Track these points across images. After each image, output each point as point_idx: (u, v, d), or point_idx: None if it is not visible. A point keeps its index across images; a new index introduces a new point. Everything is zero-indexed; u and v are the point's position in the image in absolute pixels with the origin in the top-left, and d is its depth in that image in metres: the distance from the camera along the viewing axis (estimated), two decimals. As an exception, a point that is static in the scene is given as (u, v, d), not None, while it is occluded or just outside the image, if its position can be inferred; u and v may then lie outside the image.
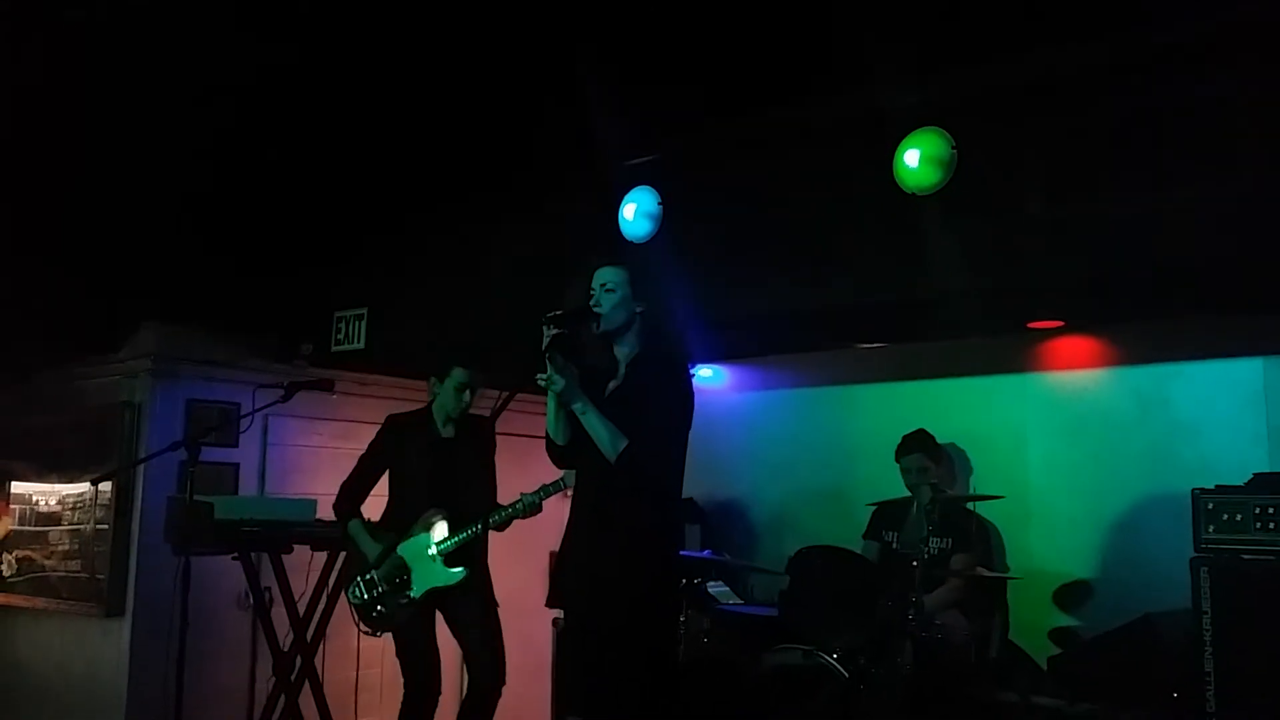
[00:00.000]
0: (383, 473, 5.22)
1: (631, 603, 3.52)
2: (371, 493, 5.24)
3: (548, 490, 4.80)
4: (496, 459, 5.02)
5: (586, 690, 3.77)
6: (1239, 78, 3.62)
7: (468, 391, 5.05)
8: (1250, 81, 3.58)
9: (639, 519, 3.56)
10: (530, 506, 4.83)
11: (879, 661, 4.63)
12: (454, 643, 5.08)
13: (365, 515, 5.15)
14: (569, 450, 3.76)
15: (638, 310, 3.68)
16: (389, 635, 5.09)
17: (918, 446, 5.41)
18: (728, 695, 4.99)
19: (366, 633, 5.05)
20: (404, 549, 4.93)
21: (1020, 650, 5.20)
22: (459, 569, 4.88)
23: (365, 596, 4.99)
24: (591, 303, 3.65)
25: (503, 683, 4.94)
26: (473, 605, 4.95)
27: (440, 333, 5.75)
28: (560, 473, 4.55)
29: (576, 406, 3.58)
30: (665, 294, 3.83)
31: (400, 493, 5.17)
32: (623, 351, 3.74)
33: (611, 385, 3.75)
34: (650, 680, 3.56)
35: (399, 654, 5.05)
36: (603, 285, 3.65)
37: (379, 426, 5.27)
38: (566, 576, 3.77)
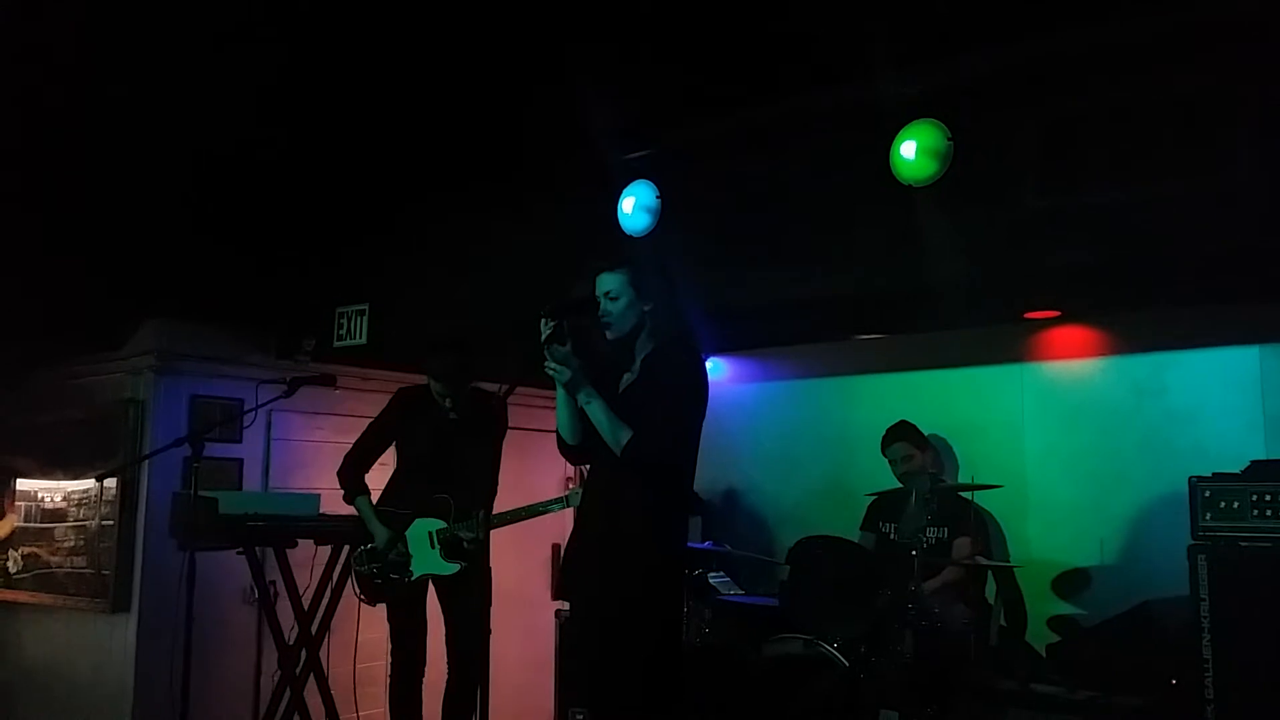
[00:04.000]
0: (388, 445, 5.30)
1: (636, 595, 3.54)
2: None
3: (550, 507, 4.85)
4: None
5: (590, 681, 3.79)
6: (1235, 68, 3.63)
7: (447, 399, 5.09)
8: (1246, 72, 3.60)
9: (646, 511, 3.57)
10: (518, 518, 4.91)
11: (879, 650, 4.66)
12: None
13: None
14: (580, 448, 3.77)
15: (645, 309, 3.67)
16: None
17: (900, 436, 5.47)
18: (729, 685, 5.03)
19: (363, 600, 5.16)
20: (409, 530, 5.00)
21: (1020, 638, 5.24)
22: (455, 563, 4.94)
23: (368, 567, 5.08)
24: (600, 313, 3.64)
25: (478, 678, 4.99)
26: (465, 598, 4.96)
27: (441, 327, 5.77)
28: (564, 490, 4.61)
29: (581, 396, 3.58)
30: (672, 287, 3.81)
31: (404, 467, 5.28)
32: (640, 348, 3.73)
33: (626, 379, 3.75)
34: (654, 671, 3.58)
35: (390, 622, 5.16)
36: (606, 294, 3.63)
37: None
38: (573, 568, 3.79)
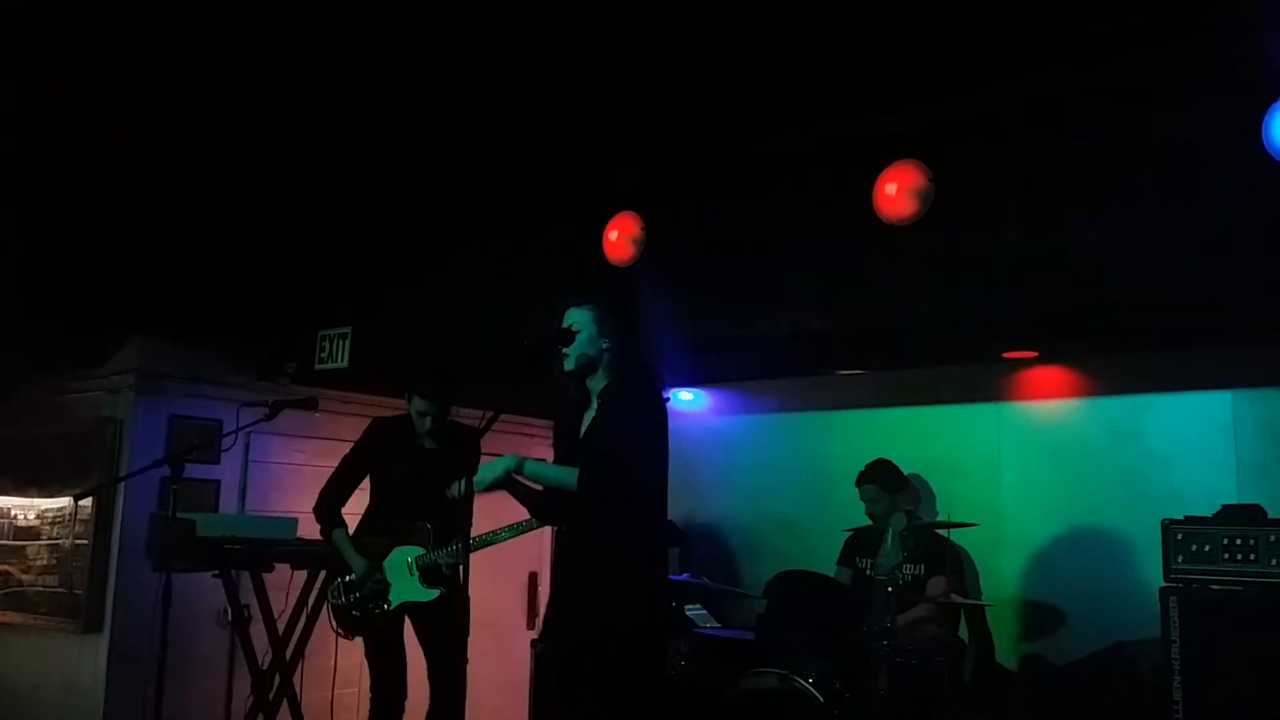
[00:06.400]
0: (364, 477, 5.25)
1: (614, 629, 3.56)
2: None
3: (530, 525, 4.84)
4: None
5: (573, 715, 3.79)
6: (1212, 115, 3.70)
7: (428, 418, 5.08)
8: (1223, 119, 3.66)
9: (615, 545, 3.63)
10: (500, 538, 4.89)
11: (854, 686, 4.67)
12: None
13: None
14: (547, 511, 3.92)
15: (604, 347, 3.78)
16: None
17: (871, 479, 5.52)
18: (704, 718, 5.02)
19: (340, 634, 5.10)
20: (387, 560, 4.97)
21: (994, 675, 5.26)
22: (435, 589, 4.92)
23: (344, 599, 5.03)
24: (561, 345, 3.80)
25: (462, 698, 4.97)
26: (444, 624, 4.94)
27: (423, 352, 5.78)
28: None
29: (512, 467, 3.73)
30: (636, 326, 3.92)
31: (380, 499, 5.22)
32: (595, 385, 3.85)
33: (587, 417, 3.85)
34: (633, 705, 3.59)
35: (368, 656, 5.11)
36: (569, 327, 3.80)
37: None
38: (550, 614, 3.87)
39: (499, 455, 3.80)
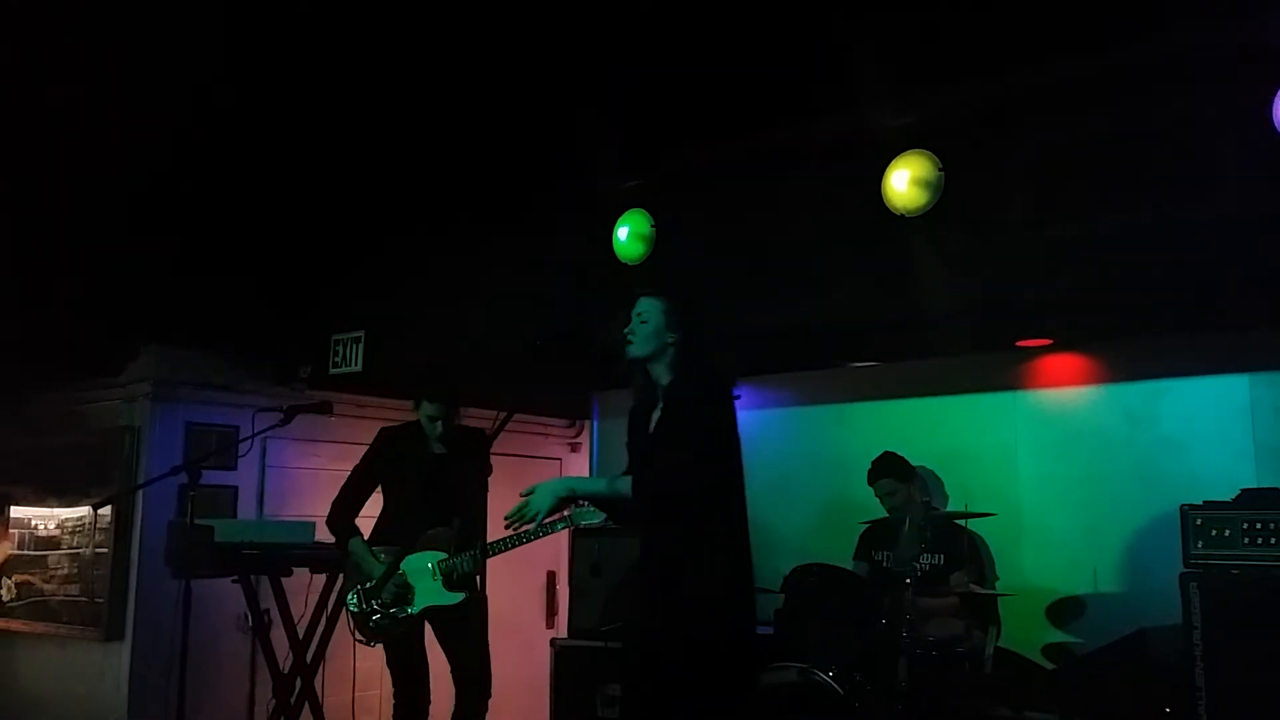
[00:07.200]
0: (375, 487, 5.22)
1: (695, 634, 3.49)
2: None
3: (553, 527, 4.82)
4: (493, 480, 5.05)
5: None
6: (1225, 97, 3.68)
7: (439, 422, 5.07)
8: (1233, 103, 3.65)
9: (689, 548, 3.56)
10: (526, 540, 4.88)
11: (874, 679, 4.66)
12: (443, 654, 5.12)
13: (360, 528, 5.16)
14: (625, 514, 3.88)
15: (670, 341, 3.70)
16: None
17: (885, 471, 5.49)
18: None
19: (361, 641, 5.07)
20: (406, 564, 4.96)
21: (1015, 665, 5.25)
22: (459, 592, 4.92)
23: (364, 606, 5.02)
24: (626, 330, 3.72)
25: (488, 695, 4.99)
26: (466, 625, 4.96)
27: (437, 355, 5.79)
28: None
29: (563, 494, 3.67)
30: (705, 322, 3.82)
31: (393, 507, 5.19)
32: (661, 380, 3.75)
33: (655, 415, 3.77)
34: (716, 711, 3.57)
35: (390, 665, 5.09)
36: (638, 315, 3.71)
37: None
38: (633, 615, 3.83)
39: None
